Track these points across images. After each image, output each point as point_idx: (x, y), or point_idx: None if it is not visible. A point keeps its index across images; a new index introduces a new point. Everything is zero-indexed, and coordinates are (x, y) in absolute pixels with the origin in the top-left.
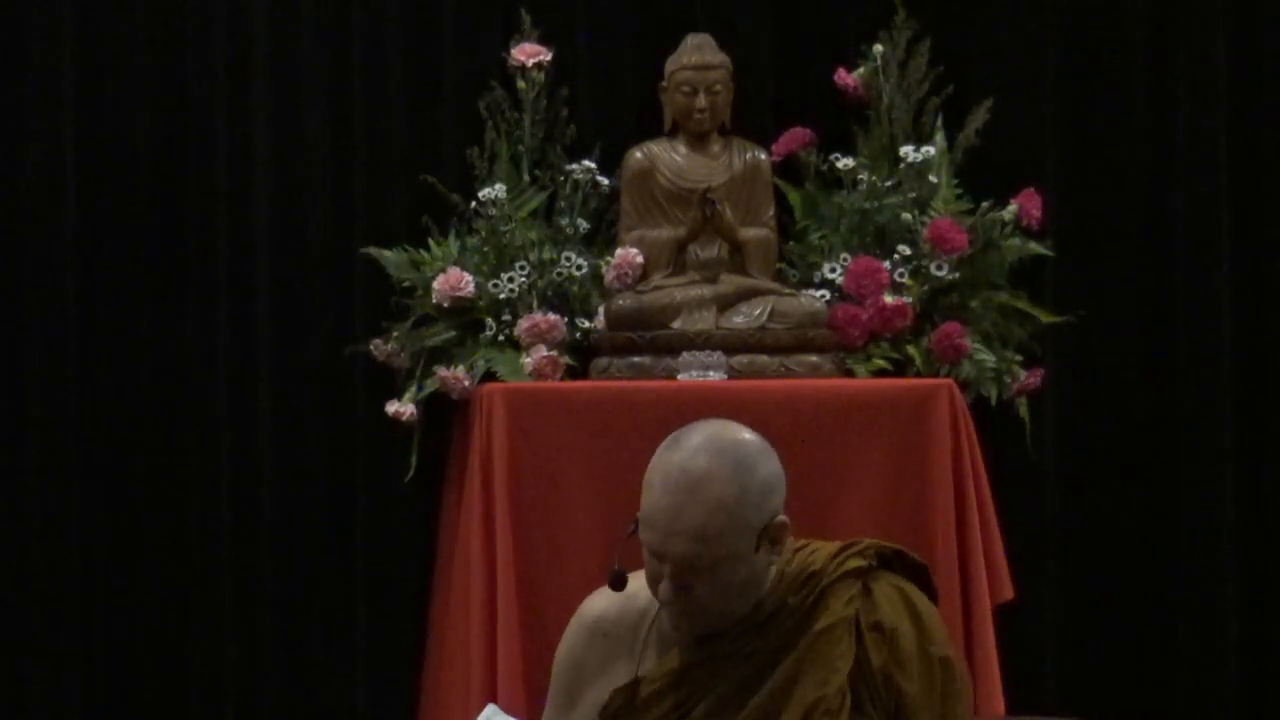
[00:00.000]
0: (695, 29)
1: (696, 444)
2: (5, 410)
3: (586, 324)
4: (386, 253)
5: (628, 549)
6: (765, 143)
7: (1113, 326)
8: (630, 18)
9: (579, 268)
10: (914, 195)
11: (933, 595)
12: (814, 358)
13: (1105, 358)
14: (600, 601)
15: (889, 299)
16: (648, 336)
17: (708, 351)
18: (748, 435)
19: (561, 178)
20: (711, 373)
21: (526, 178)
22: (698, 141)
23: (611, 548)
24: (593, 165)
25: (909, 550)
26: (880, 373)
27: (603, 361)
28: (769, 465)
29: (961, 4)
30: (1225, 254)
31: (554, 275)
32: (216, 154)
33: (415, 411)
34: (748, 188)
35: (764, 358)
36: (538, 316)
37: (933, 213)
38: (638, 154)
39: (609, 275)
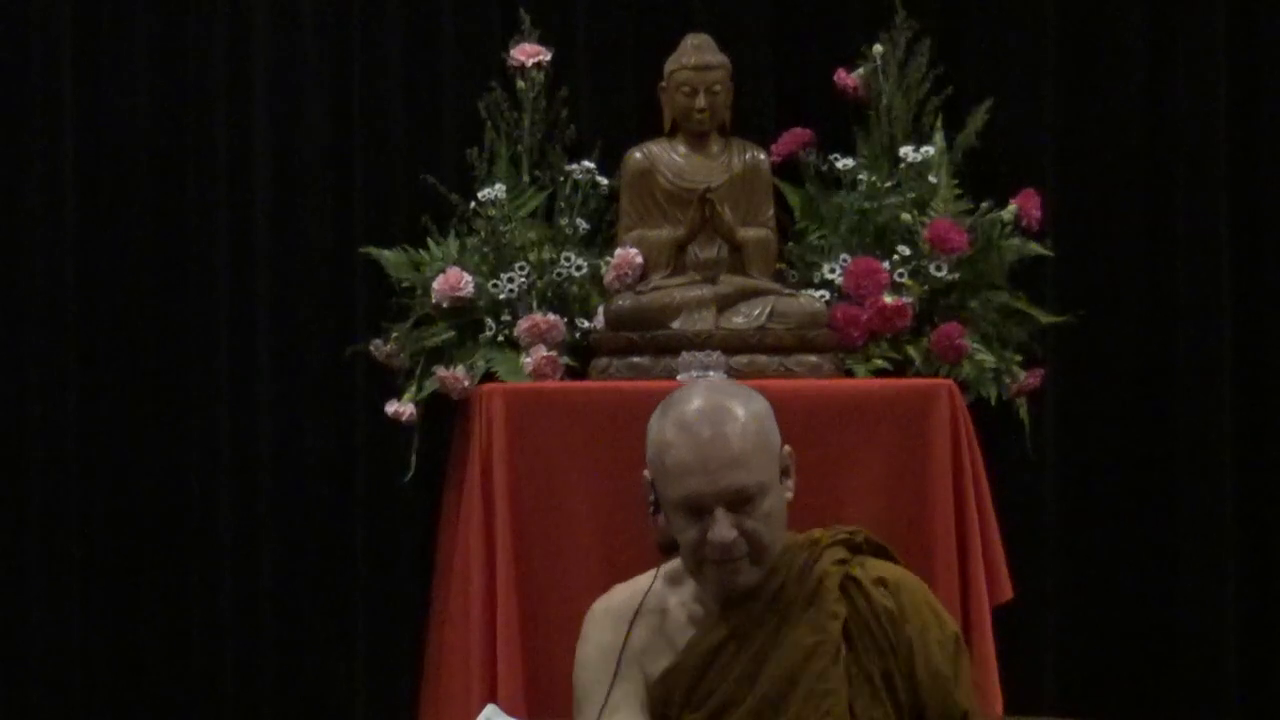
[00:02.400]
0: (695, 29)
1: (697, 391)
2: (5, 410)
3: (586, 324)
4: (386, 253)
5: (629, 542)
6: (765, 143)
7: (1113, 326)
8: (630, 18)
9: (579, 268)
10: (914, 195)
11: None
12: (814, 358)
13: (1105, 358)
14: (613, 595)
15: (889, 299)
16: (647, 336)
17: (707, 351)
18: (725, 378)
19: (561, 178)
20: (711, 373)
21: (526, 178)
22: (697, 142)
23: (652, 525)
24: (593, 165)
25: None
26: (880, 373)
27: (602, 361)
28: (760, 397)
29: (961, 4)
30: (1225, 254)
31: (554, 275)
32: (216, 153)
33: (415, 411)
34: (747, 188)
35: (764, 358)
36: (537, 316)
37: (932, 213)
38: (638, 154)
39: (609, 275)
